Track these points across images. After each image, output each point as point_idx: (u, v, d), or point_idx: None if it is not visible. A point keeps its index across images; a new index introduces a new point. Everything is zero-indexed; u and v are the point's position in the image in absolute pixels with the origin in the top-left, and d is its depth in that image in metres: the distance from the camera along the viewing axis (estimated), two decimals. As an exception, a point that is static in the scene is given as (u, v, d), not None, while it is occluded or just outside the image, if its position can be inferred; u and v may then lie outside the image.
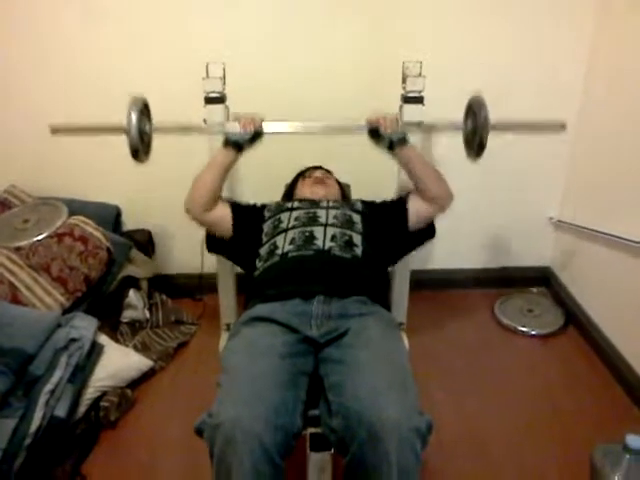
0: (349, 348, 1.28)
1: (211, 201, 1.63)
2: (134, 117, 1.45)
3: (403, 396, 1.14)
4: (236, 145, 1.59)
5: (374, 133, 1.58)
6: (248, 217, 1.71)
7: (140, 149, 1.50)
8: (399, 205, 1.69)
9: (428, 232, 1.74)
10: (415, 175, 1.64)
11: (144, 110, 1.54)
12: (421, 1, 2.10)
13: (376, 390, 1.13)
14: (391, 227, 1.68)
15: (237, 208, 1.70)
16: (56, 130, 1.51)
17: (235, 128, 1.59)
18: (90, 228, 2.10)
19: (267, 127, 1.61)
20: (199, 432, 1.16)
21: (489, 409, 1.92)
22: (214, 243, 1.75)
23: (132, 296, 2.28)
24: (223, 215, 1.66)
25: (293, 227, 1.60)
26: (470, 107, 1.60)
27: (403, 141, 1.58)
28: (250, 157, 1.66)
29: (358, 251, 1.55)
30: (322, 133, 1.67)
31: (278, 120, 1.63)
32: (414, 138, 1.66)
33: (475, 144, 1.56)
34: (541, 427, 1.83)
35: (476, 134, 1.54)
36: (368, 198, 1.81)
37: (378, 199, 1.79)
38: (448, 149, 1.92)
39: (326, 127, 1.67)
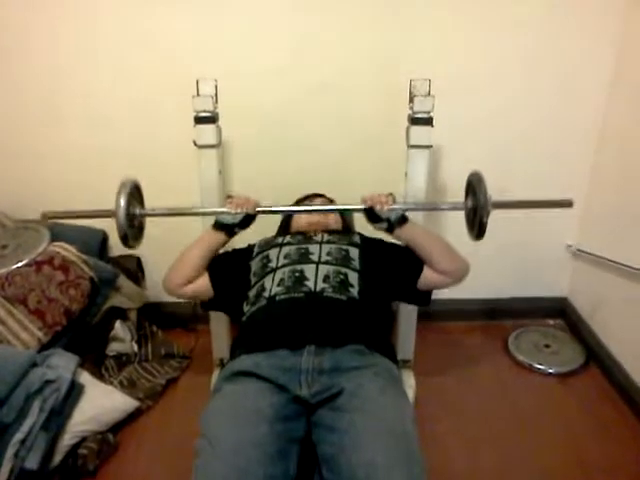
0: (344, 412, 1.13)
1: (195, 276, 1.57)
2: (122, 201, 1.38)
3: (407, 472, 1.00)
4: (226, 228, 1.53)
5: (371, 214, 1.47)
6: (229, 267, 1.62)
7: (129, 234, 1.42)
8: (415, 264, 1.55)
9: (424, 298, 1.62)
10: (423, 252, 1.53)
11: (134, 193, 1.47)
12: (427, 17, 1.94)
13: (376, 469, 0.98)
14: (398, 275, 1.56)
15: (213, 265, 1.60)
16: (46, 217, 1.49)
17: (227, 211, 1.52)
18: (72, 256, 1.94)
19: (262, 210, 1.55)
20: None
21: (506, 461, 1.74)
22: (206, 303, 1.68)
23: (118, 328, 2.11)
24: (201, 283, 1.58)
25: (283, 266, 1.46)
26: (469, 185, 1.49)
27: (402, 220, 1.49)
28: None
29: (354, 291, 1.39)
30: (319, 212, 1.70)
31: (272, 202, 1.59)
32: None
33: (476, 224, 1.45)
34: (565, 482, 1.66)
35: (476, 214, 1.43)
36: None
37: (384, 238, 1.63)
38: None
39: (323, 207, 1.70)
